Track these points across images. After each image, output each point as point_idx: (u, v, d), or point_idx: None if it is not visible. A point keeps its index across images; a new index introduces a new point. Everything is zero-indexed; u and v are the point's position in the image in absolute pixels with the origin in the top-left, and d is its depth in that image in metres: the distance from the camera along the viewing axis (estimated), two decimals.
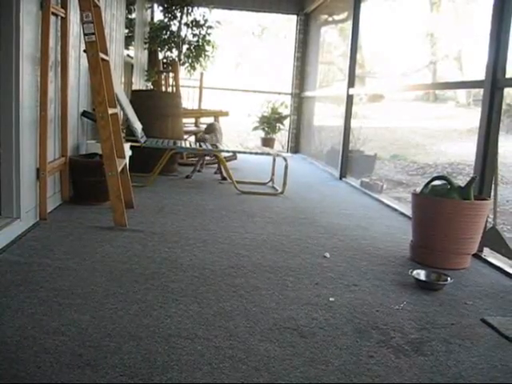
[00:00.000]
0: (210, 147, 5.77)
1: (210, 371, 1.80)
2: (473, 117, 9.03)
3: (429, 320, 2.41)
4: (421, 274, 2.93)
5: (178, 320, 2.18)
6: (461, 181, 4.08)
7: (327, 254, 3.34)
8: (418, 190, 3.45)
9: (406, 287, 2.84)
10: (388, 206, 5.23)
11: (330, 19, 9.58)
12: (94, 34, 3.63)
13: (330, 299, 2.57)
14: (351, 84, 6.87)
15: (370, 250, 3.56)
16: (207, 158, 6.85)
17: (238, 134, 12.81)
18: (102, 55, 3.78)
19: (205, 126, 8.29)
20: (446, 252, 3.22)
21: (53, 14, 3.58)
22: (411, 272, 2.94)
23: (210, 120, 8.36)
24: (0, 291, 2.33)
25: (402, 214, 4.82)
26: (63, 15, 3.85)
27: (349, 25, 7.31)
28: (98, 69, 3.64)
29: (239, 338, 2.06)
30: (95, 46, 3.64)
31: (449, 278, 2.86)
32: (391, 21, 8.37)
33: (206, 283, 2.66)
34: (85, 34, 3.64)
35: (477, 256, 3.45)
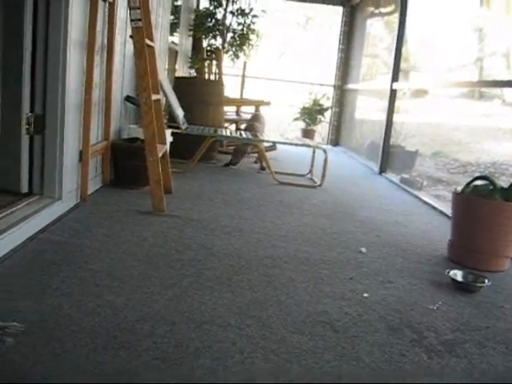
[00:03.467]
0: (250, 136, 5.78)
1: (241, 360, 1.81)
2: None
3: (464, 322, 2.37)
4: (458, 275, 2.88)
5: (212, 307, 2.20)
6: (503, 181, 3.99)
7: (363, 249, 3.31)
8: (460, 189, 3.39)
9: (441, 287, 2.80)
10: (427, 203, 5.15)
11: (377, 11, 9.45)
12: (140, 20, 3.65)
13: (364, 295, 2.55)
14: (395, 78, 6.78)
15: (407, 247, 3.52)
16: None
17: (278, 125, 12.78)
18: (147, 41, 3.81)
19: (247, 116, 8.32)
20: (484, 253, 3.16)
21: None
22: (448, 272, 2.90)
23: (252, 109, 8.38)
24: (41, 270, 2.39)
25: (441, 212, 4.75)
26: (111, 0, 3.89)
27: (395, 18, 7.21)
28: (144, 55, 3.67)
29: (271, 328, 2.07)
30: (141, 32, 3.67)
31: (486, 280, 2.81)
32: (439, 15, 8.20)
33: (240, 272, 2.67)
34: (131, 20, 3.67)
35: None
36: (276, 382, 1.72)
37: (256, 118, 6.76)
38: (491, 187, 3.21)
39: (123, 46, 4.49)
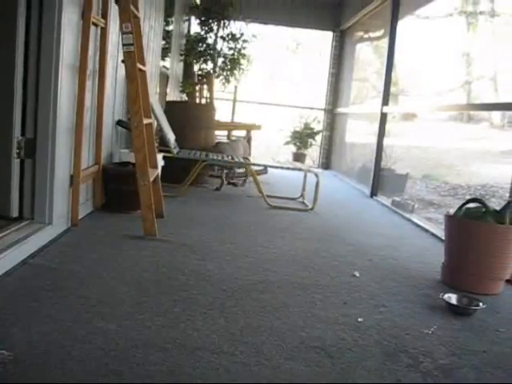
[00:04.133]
0: (241, 160, 5.77)
1: None
2: (507, 139, 8.86)
3: (459, 346, 2.35)
4: (452, 298, 2.86)
5: (205, 334, 2.16)
6: (494, 203, 4.00)
7: (357, 273, 3.29)
8: (452, 211, 3.38)
9: (436, 311, 2.78)
10: (419, 226, 5.15)
11: (366, 36, 9.55)
12: (132, 44, 3.66)
13: (359, 319, 2.53)
14: (385, 102, 6.82)
15: (400, 270, 3.50)
16: (238, 170, 6.86)
17: (268, 148, 12.81)
18: (139, 65, 3.81)
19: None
20: (478, 276, 3.15)
21: (93, 23, 3.63)
22: (442, 295, 2.88)
23: (243, 133, 8.40)
24: (30, 296, 2.35)
25: (433, 234, 4.74)
26: (103, 25, 3.90)
27: (384, 42, 7.28)
28: (135, 79, 3.67)
29: (265, 354, 2.04)
30: (133, 56, 3.67)
31: (481, 304, 2.79)
32: (427, 40, 8.29)
33: (233, 297, 2.64)
34: (123, 45, 3.67)
35: (510, 282, 3.37)
36: None
37: (235, 142, 6.81)
38: (484, 210, 3.20)
39: (115, 71, 4.49)
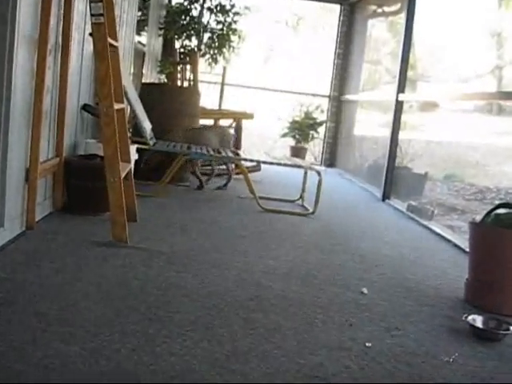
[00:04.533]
0: (230, 154, 5.77)
1: None
2: None
3: (485, 376, 2.35)
4: (477, 320, 2.87)
5: (184, 359, 2.15)
6: None
7: (365, 290, 3.29)
8: (478, 218, 3.39)
9: (458, 335, 2.78)
10: (439, 235, 5.16)
11: (379, 11, 9.59)
12: (102, 15, 3.64)
13: (367, 344, 2.52)
14: (401, 89, 6.83)
15: (416, 287, 3.51)
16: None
17: (263, 141, 12.82)
18: (110, 40, 3.80)
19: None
20: (509, 295, 3.16)
21: None
22: (466, 317, 2.88)
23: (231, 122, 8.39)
24: None
25: (455, 245, 4.75)
26: None
27: (401, 18, 7.31)
28: (106, 56, 3.66)
29: None
30: (103, 29, 3.66)
31: (511, 327, 2.80)
32: (451, 16, 8.31)
33: (218, 317, 2.63)
34: (92, 15, 3.66)
35: None
36: None
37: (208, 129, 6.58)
38: None
39: (81, 46, 4.48)
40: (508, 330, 2.80)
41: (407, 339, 2.65)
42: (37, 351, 2.06)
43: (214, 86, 9.68)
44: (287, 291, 3.11)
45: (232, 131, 8.07)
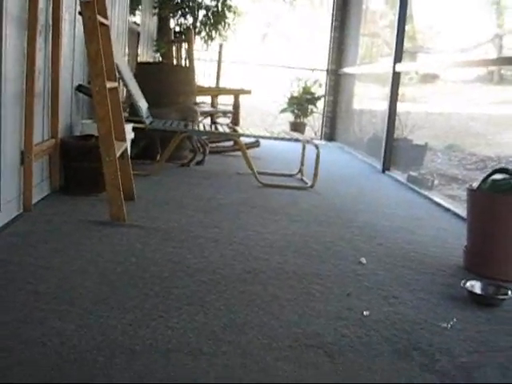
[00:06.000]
0: (227, 130, 5.76)
1: None
2: None
3: (483, 341, 2.36)
4: (475, 287, 2.88)
5: (181, 332, 2.16)
6: None
7: (363, 260, 3.30)
8: (475, 185, 3.38)
9: (456, 301, 2.79)
10: (439, 205, 5.16)
11: None
12: None
13: (365, 313, 2.53)
14: (398, 59, 6.78)
15: (415, 256, 3.51)
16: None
17: (262, 118, 12.79)
18: (100, 18, 3.77)
19: (226, 108, 8.32)
20: (507, 261, 3.16)
21: None
22: (464, 283, 2.89)
23: (230, 100, 8.37)
24: None
25: (455, 214, 4.75)
26: None
27: None
28: (96, 34, 3.64)
29: (252, 355, 2.04)
30: (92, 7, 3.63)
31: (509, 292, 2.81)
32: None
33: (215, 290, 2.64)
34: None
35: None
36: None
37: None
38: None
39: (72, 26, 4.45)
40: (506, 294, 2.80)
41: (405, 307, 2.66)
42: (34, 330, 2.07)
43: (210, 64, 9.64)
44: (285, 264, 3.12)
45: (230, 108, 8.08)
